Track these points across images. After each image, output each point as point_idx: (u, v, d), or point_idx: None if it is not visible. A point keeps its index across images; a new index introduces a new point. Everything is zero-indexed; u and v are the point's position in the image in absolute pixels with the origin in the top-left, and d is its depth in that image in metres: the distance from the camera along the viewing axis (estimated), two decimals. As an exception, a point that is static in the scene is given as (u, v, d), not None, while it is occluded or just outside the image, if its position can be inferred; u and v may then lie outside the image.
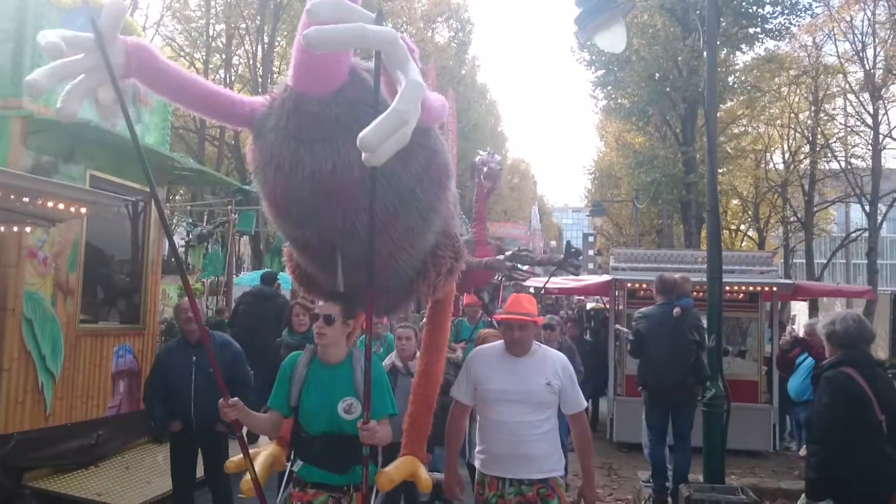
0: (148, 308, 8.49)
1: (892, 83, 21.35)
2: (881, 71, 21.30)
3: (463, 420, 4.36)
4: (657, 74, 21.03)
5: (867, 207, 22.48)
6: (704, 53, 8.14)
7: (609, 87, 25.06)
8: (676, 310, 7.31)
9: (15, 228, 5.91)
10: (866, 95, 22.03)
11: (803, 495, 4.32)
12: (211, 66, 32.57)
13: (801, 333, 10.57)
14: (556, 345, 6.96)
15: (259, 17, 29.52)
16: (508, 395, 3.93)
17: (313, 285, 3.96)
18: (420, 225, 3.39)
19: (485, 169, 9.08)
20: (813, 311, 24.38)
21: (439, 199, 3.45)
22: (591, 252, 40.33)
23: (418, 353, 5.31)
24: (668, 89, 20.75)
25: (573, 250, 7.93)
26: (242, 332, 9.58)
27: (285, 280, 16.28)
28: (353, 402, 3.43)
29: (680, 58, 20.32)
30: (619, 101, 25.01)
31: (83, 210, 5.76)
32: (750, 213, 31.68)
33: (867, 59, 22.02)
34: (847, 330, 4.24)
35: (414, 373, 5.15)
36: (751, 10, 20.47)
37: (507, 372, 3.99)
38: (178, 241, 27.62)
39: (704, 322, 7.32)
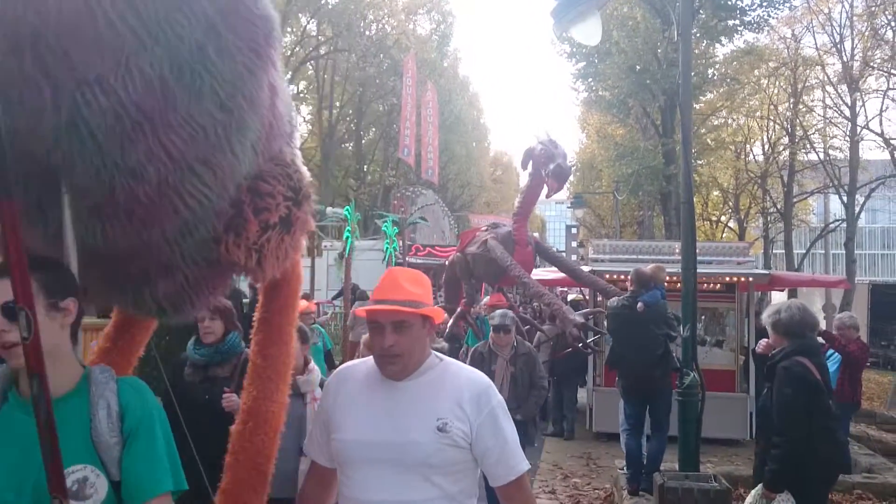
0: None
1: (870, 75, 21.54)
2: (858, 63, 21.47)
3: (324, 493, 2.50)
4: (637, 67, 21.14)
5: (845, 198, 22.71)
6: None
7: (590, 80, 25.21)
8: (640, 305, 7.37)
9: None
10: (844, 87, 22.22)
11: (759, 486, 4.36)
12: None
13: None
14: (510, 351, 6.36)
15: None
16: (372, 451, 2.20)
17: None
18: (218, 121, 1.82)
19: (551, 166, 8.08)
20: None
21: (254, 76, 1.91)
22: (573, 243, 40.45)
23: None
24: (647, 81, 20.87)
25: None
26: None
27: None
28: (88, 474, 1.75)
29: (660, 50, 20.45)
30: (600, 93, 25.15)
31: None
32: (730, 204, 31.92)
33: (845, 52, 22.20)
34: (792, 318, 4.33)
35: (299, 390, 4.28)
36: (730, 3, 20.63)
37: (374, 410, 2.25)
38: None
39: (679, 312, 7.39)
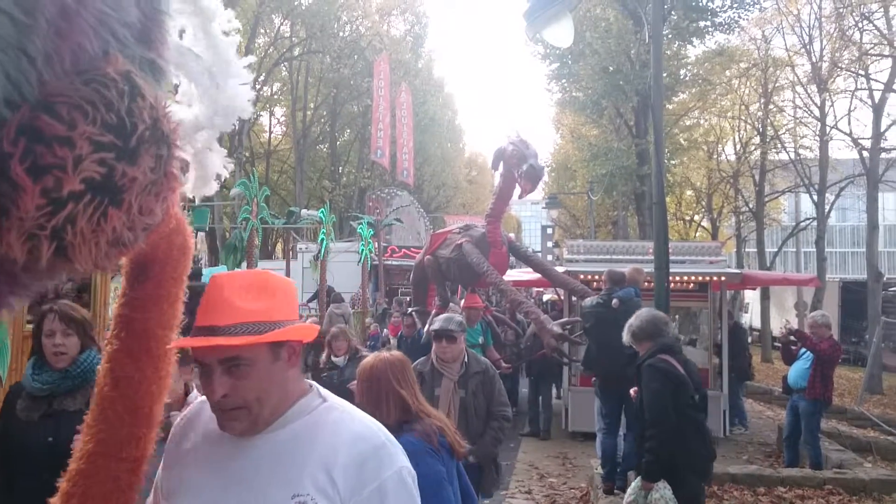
0: (98, 307, 8.36)
1: (838, 76, 21.83)
2: (827, 64, 21.76)
3: None
4: (610, 68, 21.27)
5: (815, 197, 23.00)
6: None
7: (564, 81, 25.33)
8: (615, 301, 7.42)
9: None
10: (813, 88, 22.48)
11: (637, 479, 4.54)
12: (163, 60, 32.07)
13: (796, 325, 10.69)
14: (460, 368, 4.74)
15: (211, 11, 29.08)
16: None
17: None
18: None
19: (524, 167, 7.90)
20: (764, 299, 24.93)
21: None
22: (549, 244, 40.64)
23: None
24: (621, 82, 21.00)
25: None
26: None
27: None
28: None
29: (632, 51, 20.58)
30: (574, 94, 25.28)
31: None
32: (703, 203, 32.20)
33: (814, 52, 22.48)
34: (642, 324, 4.70)
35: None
36: (701, 4, 20.83)
37: (213, 475, 1.62)
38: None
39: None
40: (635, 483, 4.59)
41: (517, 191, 8.74)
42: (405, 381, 3.06)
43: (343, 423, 1.61)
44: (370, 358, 3.15)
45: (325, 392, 1.71)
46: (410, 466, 1.61)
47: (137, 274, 1.69)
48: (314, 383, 1.73)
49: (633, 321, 4.79)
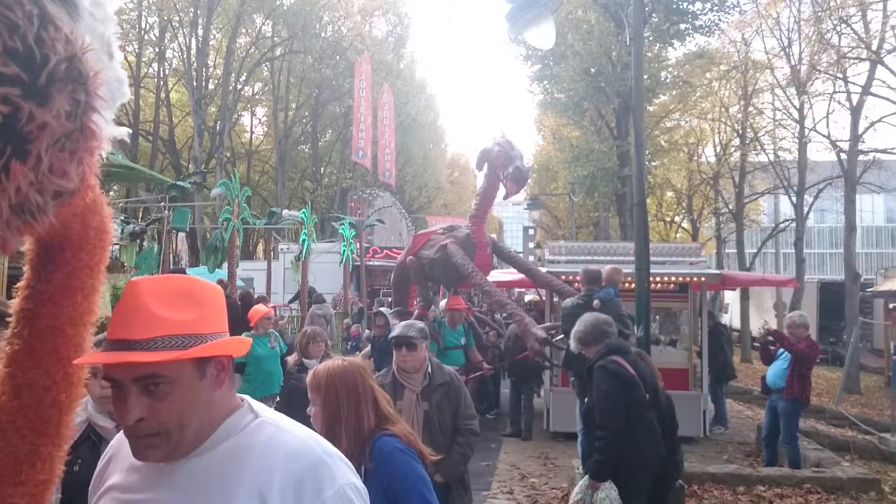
0: None
1: (816, 79, 22.04)
2: (805, 67, 21.97)
3: None
4: (592, 70, 21.36)
5: (794, 199, 23.23)
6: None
7: (545, 82, 25.41)
8: (596, 302, 7.44)
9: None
10: (792, 90, 22.69)
11: (585, 477, 4.63)
12: (144, 60, 31.87)
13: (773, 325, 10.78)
14: (423, 379, 4.25)
15: (193, 10, 28.94)
16: None
17: None
18: None
19: (510, 168, 7.86)
20: (744, 299, 25.14)
21: None
22: (530, 245, 40.73)
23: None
24: (602, 84, 21.10)
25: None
26: None
27: (199, 274, 16.15)
28: None
29: (614, 53, 20.70)
30: (556, 95, 25.36)
31: None
32: (684, 204, 32.43)
33: (793, 55, 22.72)
34: (586, 329, 4.79)
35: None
36: (681, 7, 20.96)
37: None
38: (111, 238, 27.03)
39: (634, 312, 7.49)
40: (583, 482, 4.66)
41: (501, 191, 8.75)
42: (376, 385, 2.94)
43: (277, 441, 1.42)
44: (335, 364, 2.90)
45: (258, 406, 1.51)
46: (356, 481, 1.45)
47: (45, 260, 1.38)
48: (246, 397, 1.53)
49: (577, 328, 4.85)
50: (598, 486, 4.48)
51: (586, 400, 4.94)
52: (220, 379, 1.45)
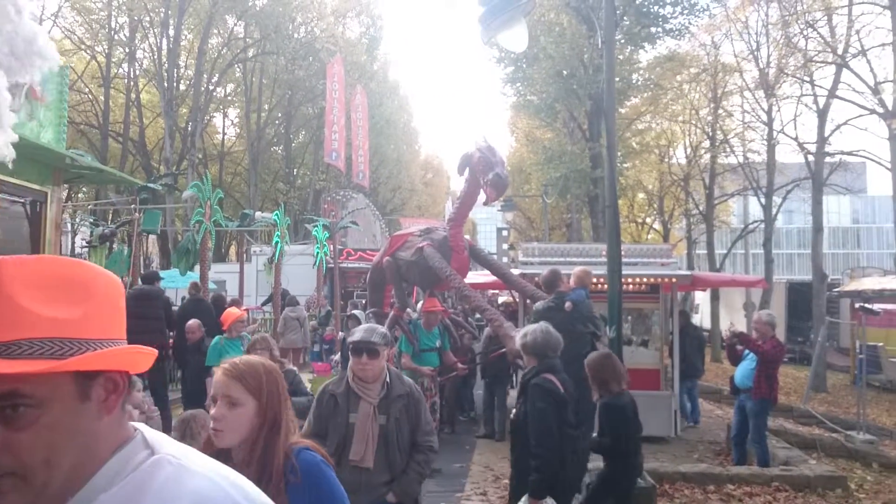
0: None
1: (784, 82, 22.35)
2: (774, 70, 22.28)
3: None
4: (564, 72, 21.49)
5: (763, 200, 23.55)
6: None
7: (518, 84, 25.54)
8: (568, 304, 7.49)
9: None
10: (761, 93, 22.98)
11: (525, 497, 4.64)
12: (114, 60, 31.52)
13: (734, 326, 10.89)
14: (381, 390, 3.86)
15: (164, 10, 28.67)
16: None
17: None
18: None
19: (490, 175, 7.85)
20: (714, 300, 25.42)
21: None
22: (504, 246, 40.89)
23: None
24: (574, 86, 21.24)
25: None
26: (130, 336, 9.40)
27: (171, 277, 16.04)
28: None
29: (586, 56, 20.84)
30: (529, 97, 25.48)
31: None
32: (655, 206, 32.73)
33: (761, 59, 23.02)
34: (535, 340, 4.78)
35: None
36: (652, 10, 21.17)
37: None
38: (81, 241, 26.73)
39: (606, 313, 7.56)
40: (522, 501, 4.66)
41: (481, 196, 8.78)
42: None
43: (178, 483, 1.06)
44: (264, 360, 2.53)
45: (154, 438, 1.14)
46: None
47: None
48: (140, 426, 1.16)
49: (527, 334, 4.85)
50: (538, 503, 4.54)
51: (513, 412, 4.99)
52: (109, 403, 1.08)
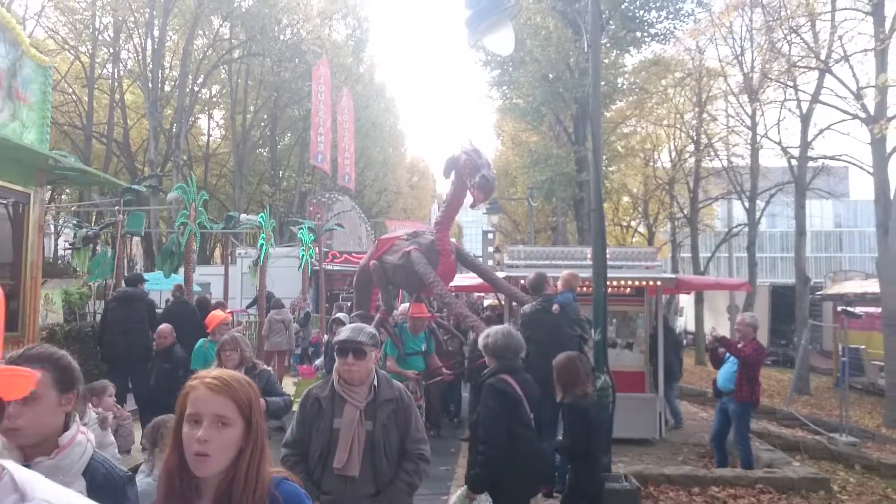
0: (27, 314, 8.14)
1: (768, 86, 22.51)
2: (758, 75, 22.44)
3: None
4: (550, 75, 21.56)
5: (747, 204, 23.71)
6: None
7: (505, 87, 25.60)
8: (555, 307, 7.52)
9: None
10: (745, 98, 23.15)
11: (463, 487, 4.76)
12: (98, 60, 31.30)
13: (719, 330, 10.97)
14: (368, 394, 3.62)
15: (149, 10, 28.49)
16: None
17: None
18: None
19: (476, 177, 7.83)
20: (698, 303, 25.56)
21: None
22: (489, 249, 40.88)
23: None
24: (560, 90, 21.31)
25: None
26: (114, 338, 9.36)
27: (155, 279, 15.95)
28: None
29: (571, 59, 20.92)
30: (515, 101, 25.53)
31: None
32: (640, 209, 32.86)
33: (745, 63, 23.21)
34: (496, 342, 4.83)
35: None
36: (638, 15, 21.27)
37: None
38: (64, 243, 26.51)
39: (591, 315, 7.59)
40: (461, 491, 4.77)
41: (468, 199, 8.77)
42: None
43: None
44: (241, 377, 2.13)
45: (25, 479, 0.96)
46: None
47: None
48: (8, 465, 0.99)
49: (490, 336, 4.88)
50: (475, 497, 4.61)
51: (475, 414, 5.03)
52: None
